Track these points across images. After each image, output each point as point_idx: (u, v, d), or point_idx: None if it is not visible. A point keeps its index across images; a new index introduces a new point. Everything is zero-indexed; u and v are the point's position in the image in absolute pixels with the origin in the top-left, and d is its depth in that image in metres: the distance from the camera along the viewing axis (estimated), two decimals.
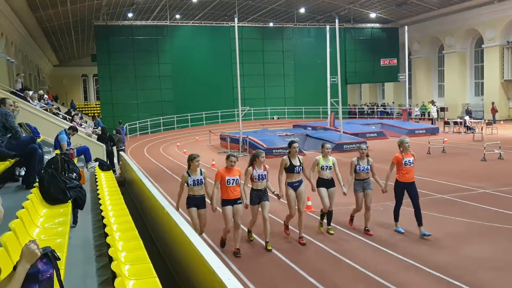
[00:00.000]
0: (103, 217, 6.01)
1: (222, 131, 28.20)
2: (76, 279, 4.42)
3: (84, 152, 11.39)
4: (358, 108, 46.01)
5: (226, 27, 37.45)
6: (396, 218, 8.35)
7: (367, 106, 47.90)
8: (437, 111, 34.04)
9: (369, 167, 8.33)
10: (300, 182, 7.97)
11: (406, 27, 34.19)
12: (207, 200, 7.62)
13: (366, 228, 8.39)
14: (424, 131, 26.98)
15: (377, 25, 42.23)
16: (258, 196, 7.68)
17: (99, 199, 7.24)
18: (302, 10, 38.80)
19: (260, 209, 7.77)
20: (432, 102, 36.19)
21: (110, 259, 4.40)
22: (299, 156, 7.98)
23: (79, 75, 57.61)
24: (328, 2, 37.62)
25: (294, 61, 39.94)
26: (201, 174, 7.47)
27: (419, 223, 7.96)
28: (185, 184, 7.53)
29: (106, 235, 5.03)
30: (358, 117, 42.30)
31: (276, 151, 20.04)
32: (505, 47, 35.46)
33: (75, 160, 10.31)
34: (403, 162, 7.99)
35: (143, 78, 35.77)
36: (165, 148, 26.32)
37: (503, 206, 9.78)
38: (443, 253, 7.16)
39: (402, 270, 6.61)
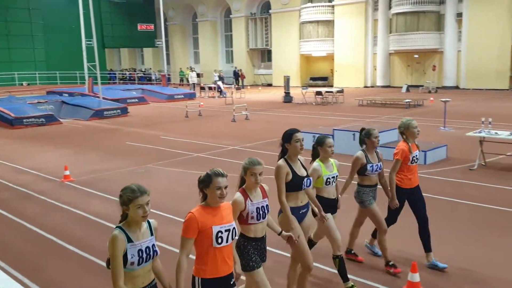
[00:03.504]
0: None
1: None
2: None
3: None
4: (120, 73, 45.01)
5: None
6: (375, 235, 5.48)
7: (128, 71, 47.37)
8: (198, 76, 35.90)
9: (381, 164, 5.23)
10: (307, 207, 4.46)
11: None
12: None
13: (390, 263, 5.11)
14: (182, 96, 28.42)
15: None
16: (260, 251, 3.80)
17: None
18: None
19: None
20: (191, 69, 38.06)
21: None
22: (300, 158, 4.36)
23: None
24: None
25: (43, 21, 36.36)
26: (151, 235, 3.04)
27: (427, 248, 5.24)
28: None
29: None
30: (119, 82, 41.53)
31: (27, 120, 18.33)
32: (249, 18, 39.47)
33: None
34: (410, 158, 5.15)
35: None
36: None
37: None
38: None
39: None
